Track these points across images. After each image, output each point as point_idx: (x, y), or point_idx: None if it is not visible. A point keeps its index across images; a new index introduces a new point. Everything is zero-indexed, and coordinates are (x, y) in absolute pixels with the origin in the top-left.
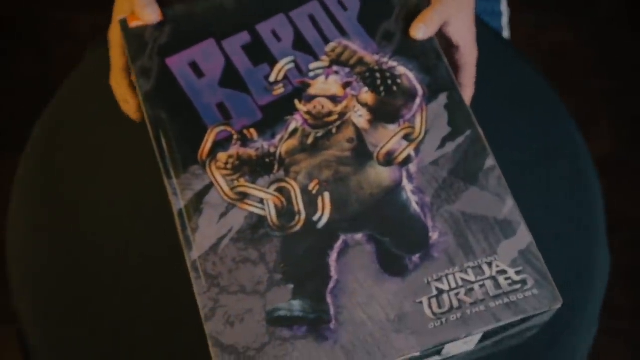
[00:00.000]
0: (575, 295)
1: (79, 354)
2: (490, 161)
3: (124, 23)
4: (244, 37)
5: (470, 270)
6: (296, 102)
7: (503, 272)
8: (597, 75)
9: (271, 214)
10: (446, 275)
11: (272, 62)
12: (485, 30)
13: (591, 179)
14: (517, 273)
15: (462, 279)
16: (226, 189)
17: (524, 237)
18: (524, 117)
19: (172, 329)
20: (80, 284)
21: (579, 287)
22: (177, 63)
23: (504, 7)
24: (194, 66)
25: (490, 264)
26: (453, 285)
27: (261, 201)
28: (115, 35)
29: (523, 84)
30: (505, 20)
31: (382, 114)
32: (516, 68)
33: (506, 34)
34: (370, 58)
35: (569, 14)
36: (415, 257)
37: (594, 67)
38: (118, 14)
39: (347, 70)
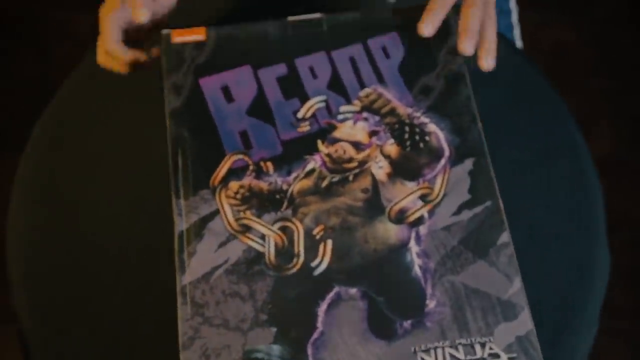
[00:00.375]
0: (575, 295)
1: (79, 354)
2: (505, 237)
3: (167, 37)
4: (281, 69)
5: (461, 347)
6: (319, 142)
7: (496, 355)
8: (598, 75)
9: (270, 251)
10: (435, 348)
11: (304, 98)
12: None
13: (591, 179)
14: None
15: (451, 355)
16: (231, 218)
17: (525, 323)
18: (525, 116)
19: (173, 328)
20: (80, 284)
21: (579, 287)
22: (210, 85)
23: (513, 5)
24: (226, 90)
25: (483, 345)
26: (440, 359)
27: (262, 237)
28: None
29: (524, 83)
30: (514, 17)
31: (403, 169)
32: (517, 67)
33: (517, 31)
34: (403, 110)
35: (569, 14)
36: (407, 323)
37: (594, 67)
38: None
39: (377, 118)
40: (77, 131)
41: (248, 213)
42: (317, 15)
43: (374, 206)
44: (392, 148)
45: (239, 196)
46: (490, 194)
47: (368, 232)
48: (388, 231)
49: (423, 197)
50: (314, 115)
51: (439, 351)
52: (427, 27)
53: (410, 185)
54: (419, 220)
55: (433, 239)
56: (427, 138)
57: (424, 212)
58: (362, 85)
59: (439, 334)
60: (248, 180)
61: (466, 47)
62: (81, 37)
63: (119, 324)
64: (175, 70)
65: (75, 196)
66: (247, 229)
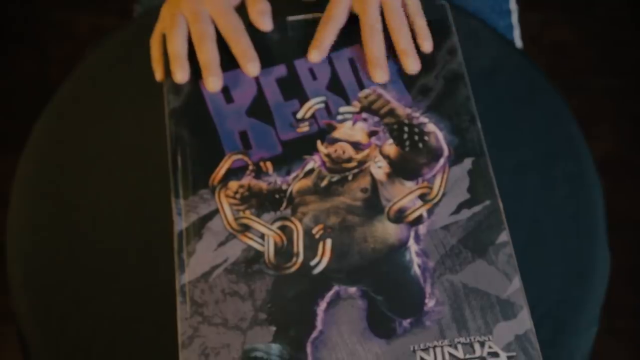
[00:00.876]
0: (575, 294)
1: (79, 354)
2: (503, 237)
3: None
4: (281, 70)
5: (460, 346)
6: (318, 142)
7: (495, 354)
8: (598, 75)
9: (269, 251)
10: (434, 347)
11: (303, 99)
12: (487, 29)
13: (592, 179)
14: (510, 358)
15: (450, 354)
16: (230, 218)
17: (524, 322)
18: (525, 116)
19: (172, 327)
20: (81, 283)
21: (579, 287)
22: None
23: (513, 5)
24: (225, 91)
25: (482, 344)
26: (439, 358)
27: (262, 236)
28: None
29: (524, 83)
30: (515, 17)
31: (402, 169)
32: (517, 67)
33: (517, 31)
34: (402, 111)
35: (569, 14)
36: (406, 322)
37: (595, 67)
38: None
39: (376, 119)
40: (76, 131)
41: (247, 212)
42: (316, 15)
43: (373, 206)
44: (391, 148)
45: (238, 195)
46: (490, 193)
47: (367, 231)
48: (387, 230)
49: (422, 197)
50: (313, 116)
51: (438, 350)
52: (313, 55)
53: (410, 184)
54: (418, 220)
55: (432, 238)
56: (426, 138)
57: (423, 211)
58: (362, 86)
59: (438, 333)
60: (247, 180)
61: (376, 77)
62: (81, 37)
63: (119, 324)
64: None
65: (75, 196)
66: (246, 228)
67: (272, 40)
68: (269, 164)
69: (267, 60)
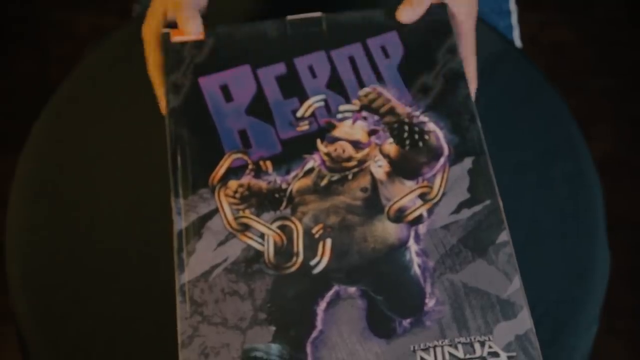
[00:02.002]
0: (575, 294)
1: (79, 354)
2: (504, 236)
3: (165, 37)
4: (280, 68)
5: (460, 346)
6: (318, 141)
7: (495, 354)
8: (598, 75)
9: (269, 250)
10: (434, 347)
11: (303, 97)
12: (487, 29)
13: (592, 179)
14: (510, 358)
15: (450, 354)
16: (230, 217)
17: (524, 321)
18: (525, 116)
19: (172, 327)
20: (80, 283)
21: (578, 287)
22: (209, 84)
23: (513, 6)
24: (225, 89)
25: (483, 344)
26: (440, 358)
27: (262, 236)
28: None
29: (523, 83)
30: (514, 18)
31: (402, 168)
32: (517, 67)
33: (517, 32)
34: (402, 109)
35: (569, 14)
36: (406, 322)
37: (594, 67)
38: (155, 11)
39: (376, 117)
40: (76, 131)
41: (247, 212)
42: (316, 14)
43: (373, 205)
44: (391, 147)
45: (238, 195)
46: (490, 192)
47: (367, 231)
48: (387, 230)
49: (422, 196)
50: (313, 115)
51: (438, 350)
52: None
53: (410, 184)
54: (418, 219)
55: (432, 237)
56: (426, 137)
57: (423, 210)
58: (362, 85)
59: (438, 333)
60: (247, 179)
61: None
62: (81, 37)
63: (118, 323)
64: (175, 70)
65: (75, 196)
66: (246, 227)
67: (272, 38)
68: (268, 163)
69: (266, 59)
